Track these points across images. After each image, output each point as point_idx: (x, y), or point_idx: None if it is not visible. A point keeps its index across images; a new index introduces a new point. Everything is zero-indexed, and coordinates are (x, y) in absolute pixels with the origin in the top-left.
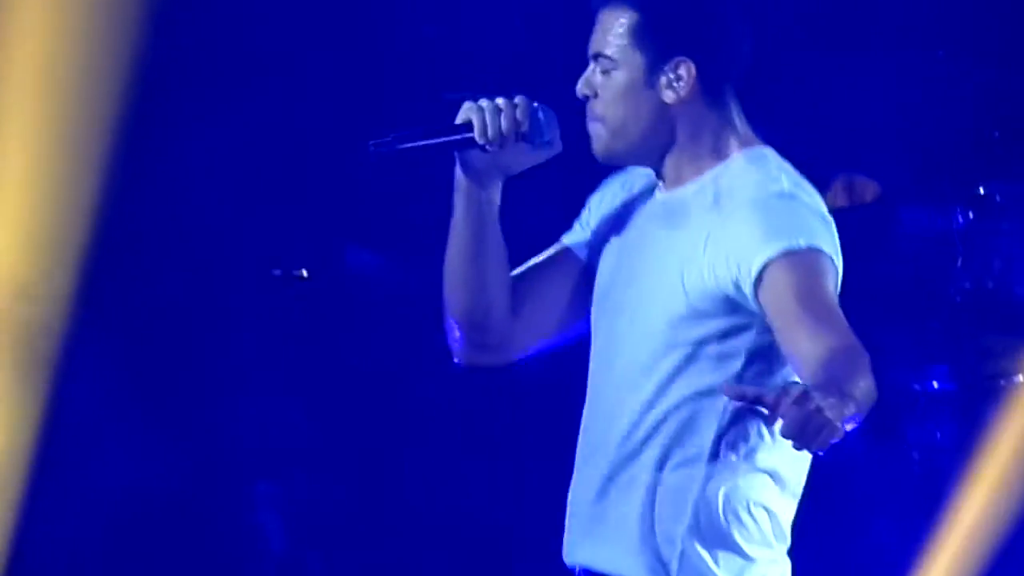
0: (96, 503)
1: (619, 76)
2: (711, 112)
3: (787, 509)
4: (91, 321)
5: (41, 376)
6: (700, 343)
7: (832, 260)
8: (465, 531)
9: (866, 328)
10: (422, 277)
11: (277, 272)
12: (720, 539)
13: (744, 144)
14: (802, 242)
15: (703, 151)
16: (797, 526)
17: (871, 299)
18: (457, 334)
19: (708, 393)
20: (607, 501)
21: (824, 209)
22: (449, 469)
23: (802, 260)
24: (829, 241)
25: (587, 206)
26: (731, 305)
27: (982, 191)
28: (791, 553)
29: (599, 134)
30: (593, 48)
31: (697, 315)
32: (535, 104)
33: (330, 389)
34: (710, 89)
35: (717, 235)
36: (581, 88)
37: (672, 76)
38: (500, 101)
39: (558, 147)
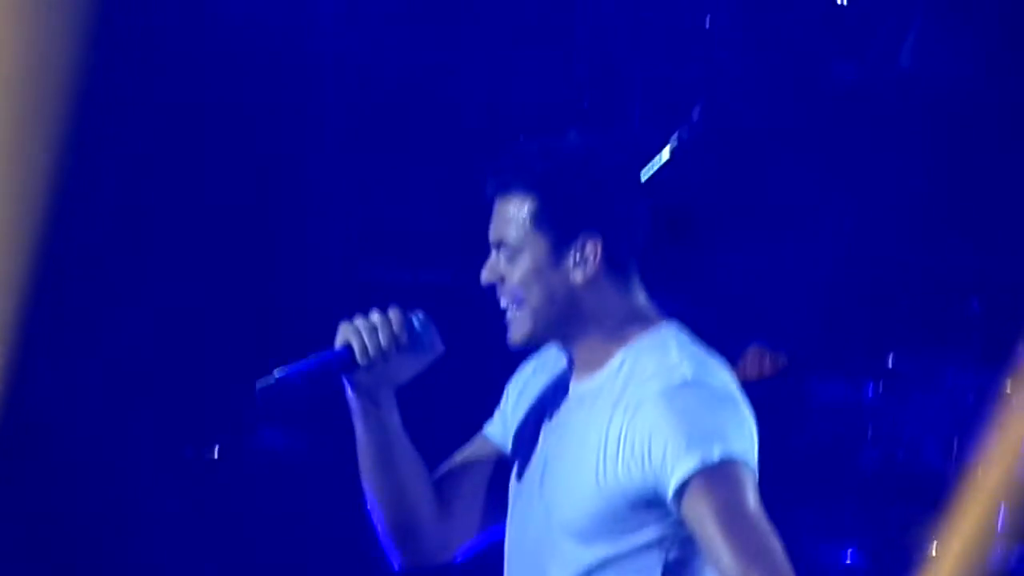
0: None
1: (524, 261)
2: (616, 290)
3: None
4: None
5: None
6: (615, 557)
7: (748, 465)
8: None
9: (778, 502)
10: (334, 453)
11: (188, 452)
12: None
13: (646, 325)
14: (716, 454)
15: (610, 334)
16: None
17: (783, 471)
18: (392, 547)
19: None
20: None
21: (733, 387)
22: None
23: (718, 477)
24: (740, 436)
25: (505, 394)
26: (646, 507)
27: (891, 363)
28: None
29: (515, 319)
30: (493, 236)
31: (613, 517)
32: (409, 314)
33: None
34: (615, 265)
35: (630, 435)
36: (486, 276)
37: (578, 255)
38: (375, 318)
39: (439, 349)
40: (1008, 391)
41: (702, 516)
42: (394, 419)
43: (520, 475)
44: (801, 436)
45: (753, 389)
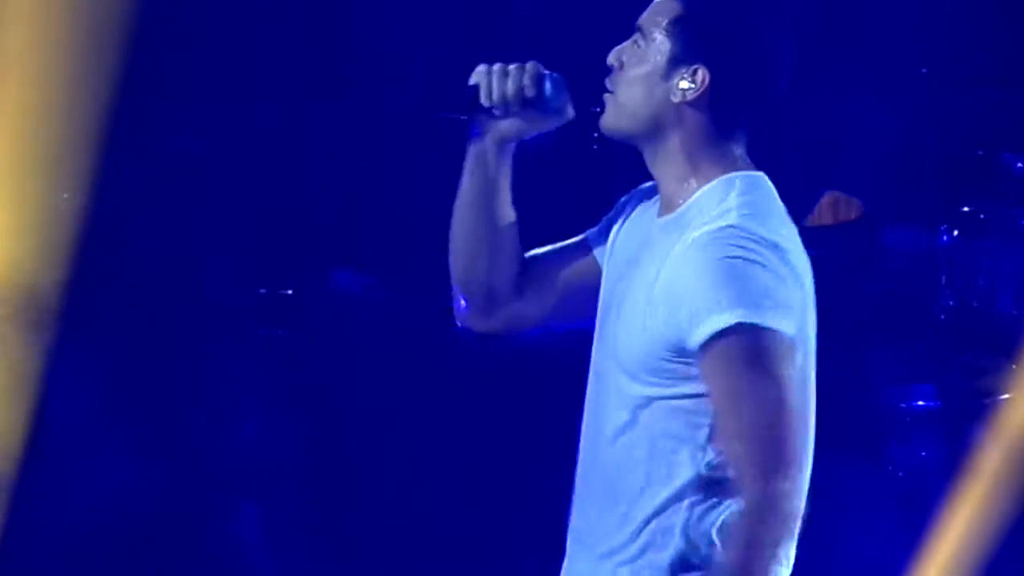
0: (78, 514)
1: (643, 58)
2: (714, 130)
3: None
4: (75, 327)
5: (24, 381)
6: (659, 397)
7: (775, 331)
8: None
9: (850, 347)
10: (408, 298)
11: (263, 291)
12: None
13: (729, 170)
14: (738, 318)
15: (694, 170)
16: None
17: (856, 317)
18: (460, 298)
19: (678, 436)
20: (601, 528)
21: (785, 239)
22: (434, 491)
23: (736, 346)
24: (774, 296)
25: (615, 207)
26: (688, 356)
27: (966, 209)
28: None
29: (609, 104)
30: (639, 21)
31: (657, 360)
32: (545, 71)
33: (314, 407)
34: (722, 106)
35: (670, 281)
36: (612, 57)
37: (688, 77)
38: (510, 66)
39: (569, 114)
40: None
41: (713, 387)
42: (503, 173)
43: (604, 301)
44: (875, 282)
45: (828, 235)
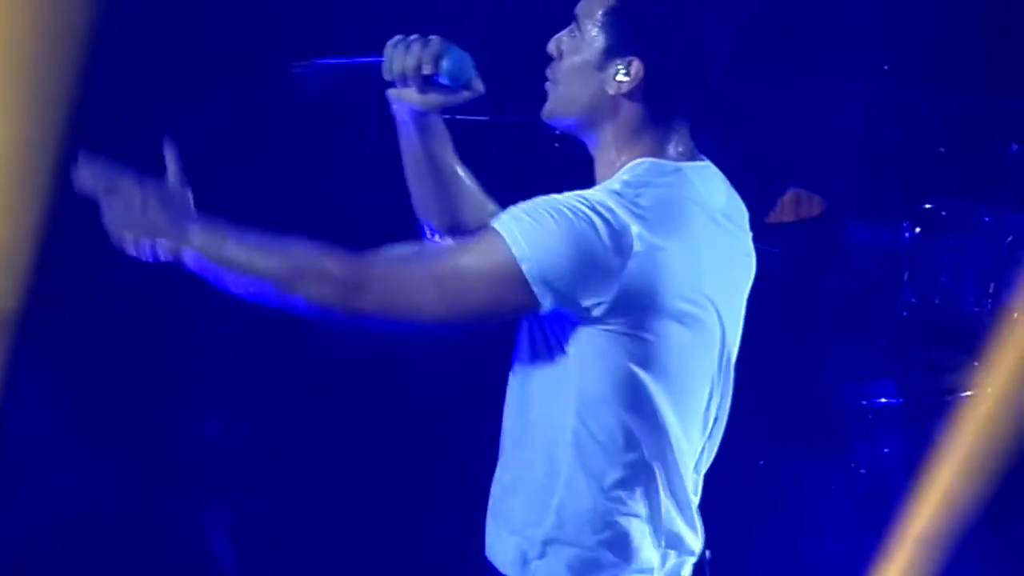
0: (41, 514)
1: (580, 49)
2: (646, 120)
3: (663, 519)
4: (39, 322)
5: None
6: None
7: (513, 248)
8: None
9: (812, 343)
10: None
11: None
12: (578, 550)
13: (639, 157)
14: (500, 223)
15: (620, 157)
16: (741, 543)
17: (817, 314)
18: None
19: (550, 394)
20: (498, 495)
21: (645, 222)
22: (406, 504)
23: (482, 236)
24: (548, 230)
25: None
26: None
27: (928, 206)
28: (735, 571)
29: (550, 94)
30: (576, 9)
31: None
32: (449, 46)
33: (285, 404)
34: (655, 98)
35: None
36: (551, 46)
37: (622, 69)
38: (413, 40)
39: (477, 89)
40: None
41: None
42: (431, 142)
43: None
44: (837, 279)
45: (790, 232)
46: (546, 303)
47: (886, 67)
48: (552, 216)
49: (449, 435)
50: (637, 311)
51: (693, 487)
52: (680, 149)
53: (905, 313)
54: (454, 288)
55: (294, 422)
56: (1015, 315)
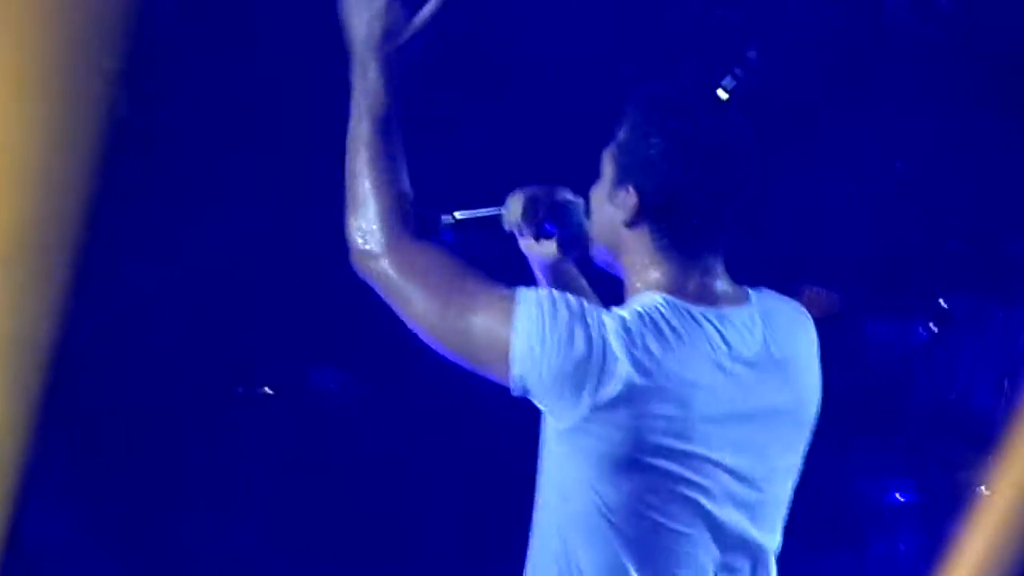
0: None
1: (601, 181)
2: (652, 248)
3: None
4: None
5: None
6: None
7: (516, 304)
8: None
9: (829, 440)
10: (385, 394)
11: (240, 389)
12: None
13: (652, 289)
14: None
15: (631, 288)
16: None
17: (835, 411)
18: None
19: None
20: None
21: (618, 328)
22: None
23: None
24: (555, 340)
25: None
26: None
27: (943, 304)
28: None
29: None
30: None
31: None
32: (563, 200)
33: (291, 505)
34: (658, 228)
35: None
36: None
37: (620, 199)
38: (521, 192)
39: (583, 239)
40: None
41: None
42: (560, 285)
43: None
44: (854, 376)
45: None
46: (516, 390)
47: (898, 164)
48: (562, 330)
49: (462, 534)
50: (604, 437)
51: None
52: (703, 287)
53: (921, 410)
54: (452, 316)
55: (309, 521)
56: None
